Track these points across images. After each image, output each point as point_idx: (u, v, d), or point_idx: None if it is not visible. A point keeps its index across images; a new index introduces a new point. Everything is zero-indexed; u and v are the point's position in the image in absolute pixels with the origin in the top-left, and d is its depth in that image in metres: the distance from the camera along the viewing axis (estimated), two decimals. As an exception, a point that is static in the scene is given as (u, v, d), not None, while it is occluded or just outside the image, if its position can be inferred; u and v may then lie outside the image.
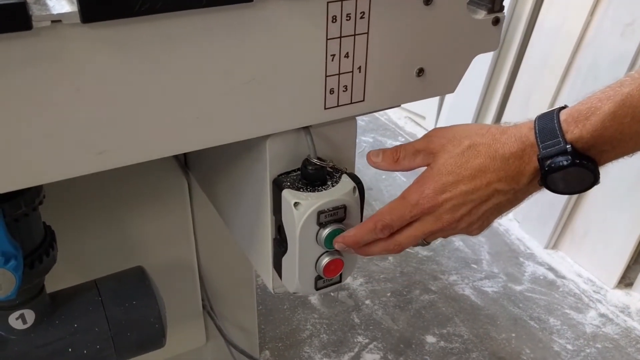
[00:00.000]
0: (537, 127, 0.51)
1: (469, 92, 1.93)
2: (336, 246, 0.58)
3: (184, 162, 0.90)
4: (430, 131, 0.59)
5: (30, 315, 0.62)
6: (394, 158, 0.61)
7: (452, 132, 0.57)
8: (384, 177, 2.05)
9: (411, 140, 2.17)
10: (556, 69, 1.67)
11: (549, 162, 0.49)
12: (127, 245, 0.88)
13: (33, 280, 0.60)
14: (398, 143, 2.24)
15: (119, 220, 0.87)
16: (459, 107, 2.01)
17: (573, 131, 0.49)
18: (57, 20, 0.41)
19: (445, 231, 0.57)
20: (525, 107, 1.78)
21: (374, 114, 2.46)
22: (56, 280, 0.66)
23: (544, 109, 1.81)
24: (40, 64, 0.42)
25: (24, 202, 0.55)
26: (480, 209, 0.55)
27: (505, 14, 0.62)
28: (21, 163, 0.45)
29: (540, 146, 0.50)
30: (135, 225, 0.88)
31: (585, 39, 1.60)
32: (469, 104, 1.96)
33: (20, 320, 0.62)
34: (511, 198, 0.54)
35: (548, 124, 0.50)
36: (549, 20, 1.69)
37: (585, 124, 0.48)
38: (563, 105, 0.52)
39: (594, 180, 0.50)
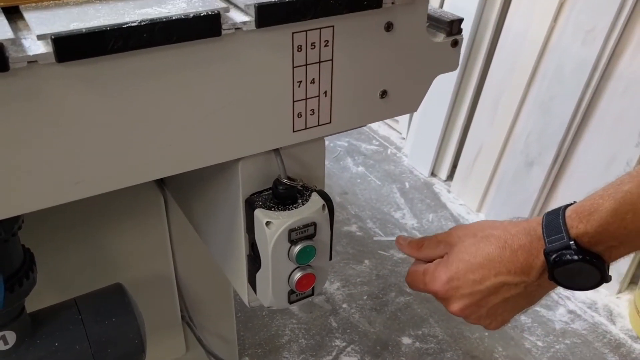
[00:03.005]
0: (544, 222, 0.53)
1: (441, 95, 1.97)
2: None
3: (160, 179, 0.92)
4: (453, 227, 0.63)
5: (11, 336, 0.64)
6: (418, 246, 0.65)
7: (470, 227, 0.60)
8: (359, 181, 2.08)
9: (385, 143, 2.18)
10: (523, 72, 1.72)
11: (554, 256, 0.51)
12: (106, 262, 0.90)
13: (14, 304, 0.61)
14: (372, 147, 2.29)
15: (97, 237, 0.88)
16: (431, 110, 2.05)
17: (577, 226, 0.50)
18: (33, 61, 0.43)
19: (457, 316, 0.60)
20: (495, 108, 1.83)
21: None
22: (36, 299, 0.67)
23: (512, 111, 1.86)
24: (17, 102, 0.44)
25: (3, 230, 0.56)
26: (489, 302, 0.56)
27: (463, 37, 0.66)
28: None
29: (546, 240, 0.52)
30: (113, 241, 0.90)
31: (550, 44, 1.65)
32: (440, 107, 2.00)
33: (1, 341, 0.63)
34: (522, 292, 0.55)
35: (554, 219, 0.52)
36: (515, 25, 1.74)
37: (589, 219, 0.50)
38: (571, 202, 0.54)
39: (602, 278, 0.51)
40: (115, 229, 0.90)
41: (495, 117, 1.83)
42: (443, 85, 1.95)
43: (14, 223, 0.58)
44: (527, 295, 0.56)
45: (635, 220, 0.48)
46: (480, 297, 0.56)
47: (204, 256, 1.03)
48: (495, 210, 1.87)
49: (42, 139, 0.46)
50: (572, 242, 0.50)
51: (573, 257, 0.50)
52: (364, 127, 2.43)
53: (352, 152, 2.26)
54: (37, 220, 0.74)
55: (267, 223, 0.58)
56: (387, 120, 2.43)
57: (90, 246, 0.88)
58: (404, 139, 2.32)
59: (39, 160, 0.47)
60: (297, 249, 0.60)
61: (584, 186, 1.61)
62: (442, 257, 0.61)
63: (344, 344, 1.44)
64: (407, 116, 2.28)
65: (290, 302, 0.64)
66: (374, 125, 2.43)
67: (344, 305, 1.55)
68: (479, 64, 1.86)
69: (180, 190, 0.85)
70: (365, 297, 1.58)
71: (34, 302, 0.67)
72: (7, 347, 0.64)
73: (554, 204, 1.70)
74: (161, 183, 0.92)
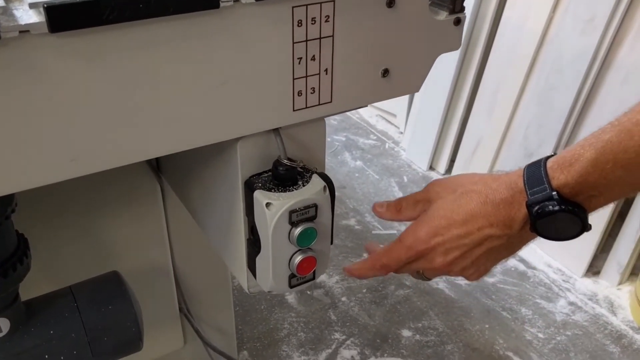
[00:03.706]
0: (525, 175, 0.53)
1: (438, 89, 1.96)
2: (348, 274, 0.65)
3: (156, 166, 0.91)
4: (429, 182, 0.62)
5: (5, 324, 0.62)
6: (396, 209, 0.63)
7: (448, 182, 0.59)
8: (357, 175, 2.07)
9: (382, 137, 2.17)
10: (521, 64, 1.71)
11: (536, 208, 0.51)
12: (102, 251, 0.88)
13: (7, 289, 0.60)
14: (370, 141, 2.28)
15: (93, 225, 0.87)
16: (428, 104, 2.04)
17: (559, 177, 0.50)
18: (25, 31, 0.41)
19: (439, 272, 0.59)
20: (493, 102, 1.82)
21: (346, 113, 2.47)
22: (30, 289, 0.66)
23: (511, 103, 1.85)
24: (9, 73, 0.42)
25: (-5, 211, 0.55)
26: (473, 254, 0.56)
27: (466, 14, 0.64)
28: (-7, 172, 0.45)
29: (528, 192, 0.52)
30: (109, 230, 0.88)
31: (548, 36, 1.64)
32: (438, 100, 1.99)
33: (-5, 329, 0.62)
34: (505, 244, 0.56)
35: (535, 171, 0.52)
36: (513, 17, 1.73)
37: (570, 170, 0.50)
38: (551, 154, 0.53)
39: (583, 227, 0.51)
40: (112, 218, 0.88)
41: (494, 109, 1.82)
42: (441, 77, 1.94)
43: (7, 205, 0.56)
44: (509, 246, 0.57)
45: (615, 170, 0.48)
46: (465, 249, 0.56)
47: (202, 246, 1.01)
48: (494, 203, 1.85)
49: (35, 112, 0.44)
50: (554, 192, 0.50)
51: (555, 207, 0.50)
52: (361, 122, 2.42)
53: (349, 146, 2.25)
54: (31, 208, 0.73)
55: (267, 204, 0.57)
56: (385, 115, 2.42)
57: (86, 235, 0.87)
58: (401, 133, 2.31)
59: (32, 135, 0.45)
60: (297, 231, 0.58)
61: (583, 177, 1.60)
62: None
63: (344, 337, 1.43)
64: (404, 110, 2.27)
65: (291, 287, 0.63)
66: (372, 120, 2.42)
67: (343, 299, 1.54)
68: (477, 55, 1.85)
69: (177, 176, 0.84)
70: (364, 290, 1.57)
71: (28, 292, 0.66)
72: (1, 334, 0.62)
73: (554, 196, 1.70)
74: (157, 170, 0.90)
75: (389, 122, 2.40)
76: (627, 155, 0.47)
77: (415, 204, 0.62)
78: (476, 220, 0.54)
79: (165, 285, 1.00)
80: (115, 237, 0.89)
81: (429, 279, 0.63)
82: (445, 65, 1.91)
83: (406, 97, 2.23)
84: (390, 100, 2.27)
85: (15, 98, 0.43)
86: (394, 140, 2.29)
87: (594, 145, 0.49)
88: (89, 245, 0.87)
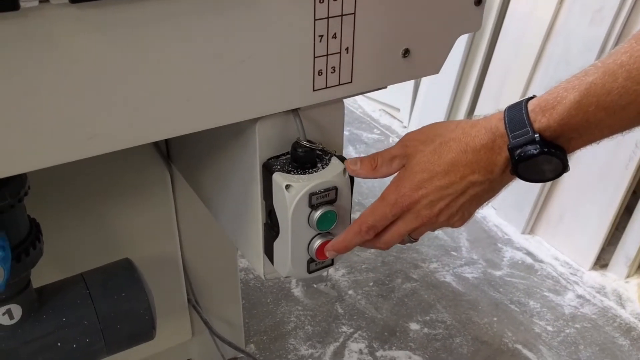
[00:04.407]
0: (506, 118, 0.52)
1: (443, 82, 1.95)
2: (328, 255, 0.60)
3: (167, 154, 0.89)
4: (403, 136, 0.60)
5: (17, 311, 0.61)
6: (372, 166, 0.61)
7: (424, 133, 0.58)
8: (361, 169, 2.06)
9: (386, 132, 2.14)
10: (528, 55, 1.70)
11: (518, 151, 0.50)
12: (110, 240, 0.87)
13: (20, 274, 0.58)
14: (374, 136, 2.26)
15: (102, 214, 0.85)
16: (432, 98, 2.03)
17: (541, 120, 0.50)
18: (45, 1, 0.40)
19: (427, 226, 0.58)
20: (498, 95, 1.81)
21: (349, 107, 2.46)
22: (40, 278, 0.64)
23: (517, 97, 1.83)
24: (28, 45, 0.41)
25: (8, 193, 0.54)
26: (458, 202, 0.56)
27: (486, -5, 0.63)
28: (9, 149, 0.44)
29: (510, 136, 0.51)
30: (118, 219, 0.87)
31: (556, 26, 1.62)
32: (442, 94, 1.97)
33: (7, 315, 0.61)
34: (487, 188, 0.56)
35: (517, 114, 0.52)
36: (521, 7, 1.72)
37: (552, 113, 0.49)
38: (532, 96, 0.53)
39: (564, 168, 0.51)
40: (121, 207, 0.87)
41: (500, 102, 1.81)
42: (446, 70, 1.93)
43: (19, 187, 0.55)
44: (491, 189, 0.57)
45: (597, 113, 0.48)
46: (450, 199, 0.55)
47: (211, 237, 1.00)
48: (500, 197, 1.84)
49: (53, 85, 0.43)
50: (536, 135, 0.50)
51: (536, 151, 0.50)
52: (365, 116, 2.41)
53: (353, 140, 2.24)
54: (43, 195, 0.72)
55: (287, 186, 0.56)
56: (388, 109, 2.40)
57: (96, 224, 0.85)
58: (405, 127, 2.29)
59: (50, 109, 0.44)
60: (317, 214, 0.57)
61: (590, 167, 1.59)
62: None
63: (351, 330, 1.42)
64: (408, 104, 2.25)
65: (310, 272, 0.62)
66: (375, 114, 2.41)
67: (350, 292, 1.53)
68: (483, 47, 1.84)
69: (190, 163, 0.82)
70: (371, 284, 1.56)
71: (39, 278, 0.64)
72: (13, 321, 0.61)
73: (560, 190, 1.68)
74: (168, 159, 0.89)
75: (393, 116, 2.38)
76: (610, 97, 0.46)
77: (391, 160, 0.59)
78: (458, 169, 0.54)
79: (174, 276, 0.99)
80: (125, 225, 0.88)
81: (416, 240, 0.61)
82: (451, 57, 1.89)
83: (410, 91, 2.22)
84: (393, 94, 2.25)
85: (33, 70, 0.42)
86: (398, 135, 2.27)
87: (576, 87, 0.48)
88: (97, 233, 0.85)
